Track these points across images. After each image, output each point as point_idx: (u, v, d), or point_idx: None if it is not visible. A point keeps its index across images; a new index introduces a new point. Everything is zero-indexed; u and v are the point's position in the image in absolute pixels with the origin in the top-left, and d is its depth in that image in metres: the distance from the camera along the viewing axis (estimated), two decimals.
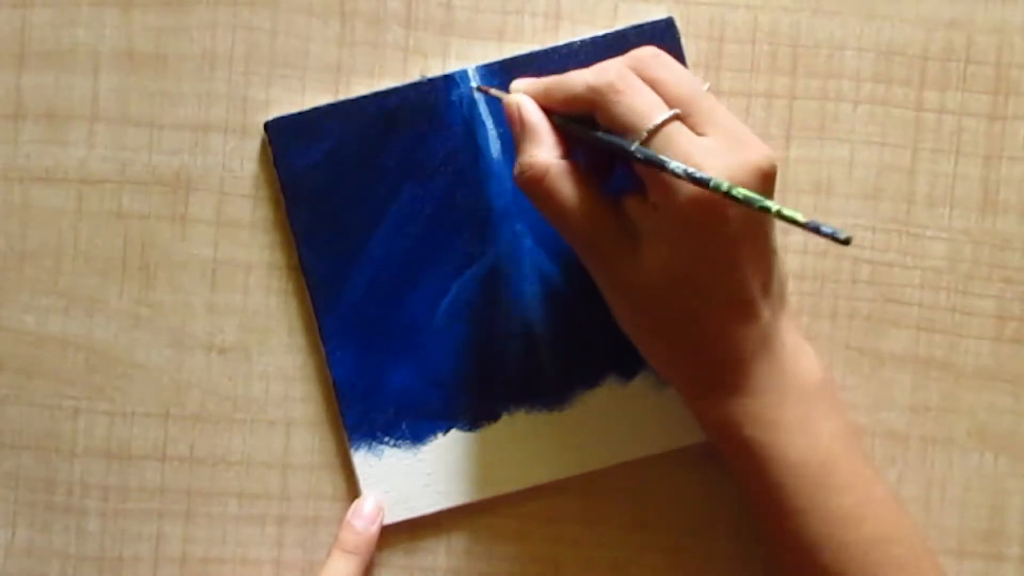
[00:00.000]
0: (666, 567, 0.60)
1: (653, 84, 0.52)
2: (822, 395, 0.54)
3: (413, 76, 0.59)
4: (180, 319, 0.59)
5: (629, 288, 0.53)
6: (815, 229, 0.47)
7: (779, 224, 0.54)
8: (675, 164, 0.50)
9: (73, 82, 0.59)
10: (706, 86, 0.54)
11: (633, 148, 0.51)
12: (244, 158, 0.59)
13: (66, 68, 0.59)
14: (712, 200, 0.50)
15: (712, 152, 0.50)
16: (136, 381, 0.59)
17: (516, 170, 0.53)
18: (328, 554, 0.58)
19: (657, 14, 0.59)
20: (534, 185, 0.53)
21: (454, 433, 0.59)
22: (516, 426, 0.59)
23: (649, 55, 0.53)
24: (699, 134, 0.51)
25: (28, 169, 0.59)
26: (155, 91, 0.59)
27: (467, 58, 0.59)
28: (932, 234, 0.60)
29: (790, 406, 0.53)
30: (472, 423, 0.59)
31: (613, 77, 0.52)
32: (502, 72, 0.58)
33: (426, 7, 0.59)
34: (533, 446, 0.59)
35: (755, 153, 0.51)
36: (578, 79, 0.53)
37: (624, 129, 0.51)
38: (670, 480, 0.59)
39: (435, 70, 0.59)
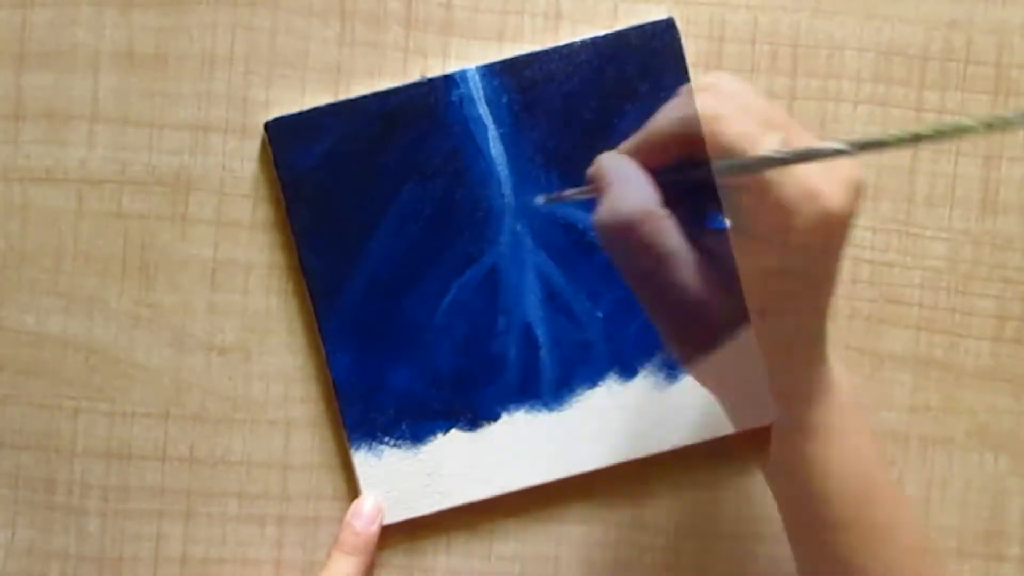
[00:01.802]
0: (666, 567, 0.60)
1: (744, 110, 0.50)
2: (856, 406, 0.54)
3: (413, 76, 0.59)
4: (180, 319, 0.59)
5: (717, 335, 0.52)
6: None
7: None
8: (827, 144, 0.47)
9: (73, 82, 0.59)
10: (780, 135, 0.51)
11: (775, 154, 0.48)
12: (244, 158, 0.59)
13: (66, 68, 0.59)
14: (837, 216, 0.48)
15: (819, 175, 0.49)
16: (136, 381, 0.59)
17: (603, 216, 0.50)
18: (328, 555, 0.58)
19: (657, 14, 0.59)
20: (628, 232, 0.50)
21: (454, 433, 0.59)
22: (516, 426, 0.59)
23: (726, 83, 0.51)
24: None
25: (28, 169, 0.59)
26: (155, 91, 0.59)
27: (467, 58, 0.59)
28: (932, 234, 0.60)
29: (833, 415, 0.53)
30: (472, 423, 0.59)
31: (714, 102, 0.50)
32: (503, 72, 0.58)
33: (426, 7, 0.59)
34: (533, 446, 0.59)
35: (847, 167, 0.50)
36: (665, 120, 0.51)
37: (736, 156, 0.49)
38: (670, 480, 0.59)
39: (435, 70, 0.59)
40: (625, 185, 0.50)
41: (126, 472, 0.59)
